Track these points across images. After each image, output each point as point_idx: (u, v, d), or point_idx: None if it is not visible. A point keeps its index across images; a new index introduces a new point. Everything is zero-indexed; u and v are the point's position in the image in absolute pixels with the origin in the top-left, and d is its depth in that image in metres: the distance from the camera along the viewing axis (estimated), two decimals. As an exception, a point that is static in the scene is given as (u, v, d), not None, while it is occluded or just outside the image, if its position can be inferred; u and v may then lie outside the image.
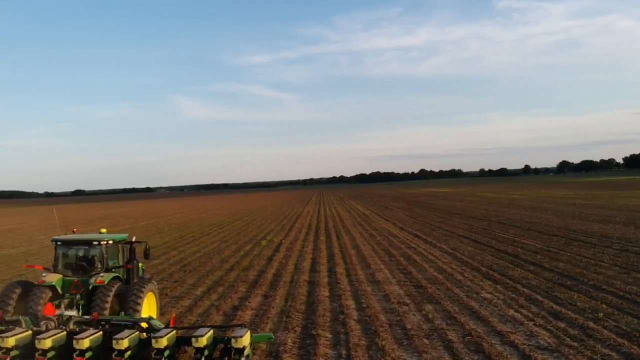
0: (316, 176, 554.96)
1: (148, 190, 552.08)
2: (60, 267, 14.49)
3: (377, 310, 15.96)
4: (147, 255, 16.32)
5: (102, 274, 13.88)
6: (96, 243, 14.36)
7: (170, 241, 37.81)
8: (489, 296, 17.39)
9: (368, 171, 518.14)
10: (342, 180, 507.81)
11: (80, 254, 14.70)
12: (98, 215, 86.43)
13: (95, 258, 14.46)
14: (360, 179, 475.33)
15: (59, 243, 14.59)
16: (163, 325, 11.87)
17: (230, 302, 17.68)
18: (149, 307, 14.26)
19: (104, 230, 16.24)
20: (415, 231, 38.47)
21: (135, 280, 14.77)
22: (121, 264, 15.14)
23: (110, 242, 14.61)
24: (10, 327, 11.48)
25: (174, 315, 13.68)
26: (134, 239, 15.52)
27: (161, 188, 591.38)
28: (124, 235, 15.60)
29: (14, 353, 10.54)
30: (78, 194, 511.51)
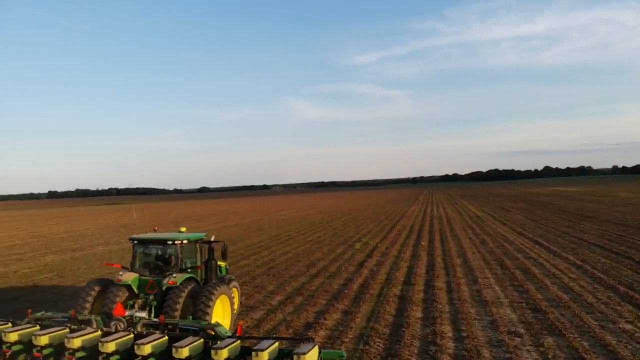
0: (427, 174, 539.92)
1: (265, 187, 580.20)
2: (137, 266, 14.12)
3: (480, 342, 12.62)
4: (224, 255, 15.72)
5: (175, 275, 13.28)
6: (170, 242, 13.83)
7: (266, 240, 36.88)
8: (629, 327, 13.34)
9: (484, 168, 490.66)
10: (455, 178, 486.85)
11: (157, 253, 14.29)
12: (210, 211, 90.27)
13: (172, 258, 13.92)
14: (476, 177, 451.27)
15: (136, 242, 14.25)
16: (230, 333, 10.76)
17: (304, 317, 15.43)
18: (223, 311, 13.49)
19: (183, 229, 15.54)
20: (537, 237, 33.23)
21: (213, 282, 13.97)
22: (199, 264, 14.52)
23: (185, 241, 13.96)
24: (82, 326, 11.14)
25: (241, 323, 12.22)
26: (212, 239, 15.06)
27: (276, 185, 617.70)
28: (201, 235, 14.98)
29: (79, 354, 10.02)
30: (203, 191, 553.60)
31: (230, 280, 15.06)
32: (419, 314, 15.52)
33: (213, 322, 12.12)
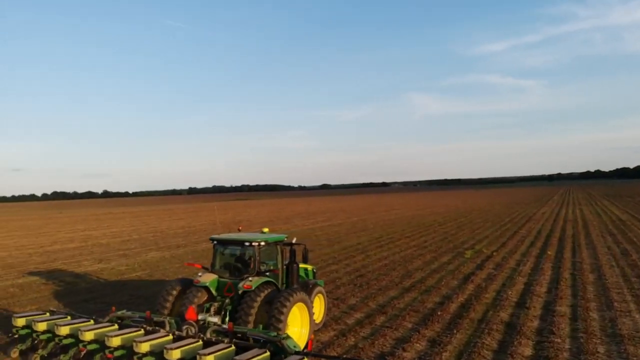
0: (565, 170, 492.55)
1: (383, 184, 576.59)
2: (217, 267, 13.57)
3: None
4: (305, 259, 14.94)
5: (251, 278, 12.46)
6: (248, 243, 13.00)
7: (365, 242, 34.43)
8: None
9: (632, 164, 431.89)
10: (597, 175, 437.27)
11: (236, 254, 13.64)
12: (322, 208, 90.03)
13: (250, 259, 13.24)
14: (622, 173, 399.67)
15: (215, 242, 13.71)
16: (299, 348, 10.06)
17: (380, 343, 12.81)
18: (300, 321, 12.39)
19: (265, 230, 14.54)
20: (701, 250, 26.37)
21: (294, 286, 12.97)
22: (279, 266, 13.58)
23: (263, 243, 13.07)
24: (156, 328, 11.13)
25: (312, 337, 11.67)
26: (293, 240, 14.26)
27: (395, 183, 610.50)
28: (281, 236, 13.98)
29: (147, 358, 9.81)
30: (324, 188, 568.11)
31: (315, 286, 14.19)
32: (528, 351, 12.03)
33: (288, 332, 11.38)
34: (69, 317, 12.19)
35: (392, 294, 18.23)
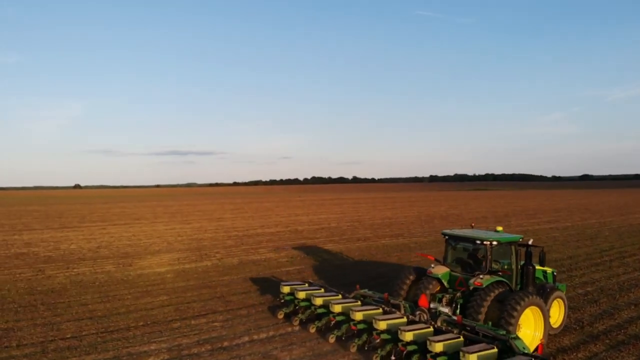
0: None
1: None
2: (449, 260, 14.28)
3: None
4: (541, 262, 14.45)
5: (482, 276, 12.93)
6: (479, 242, 13.20)
7: (585, 254, 27.37)
8: None
9: None
10: None
11: (468, 250, 14.07)
12: (560, 205, 77.59)
13: (481, 257, 13.55)
14: None
15: (447, 237, 14.33)
16: (528, 350, 10.21)
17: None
18: (533, 324, 12.35)
19: (499, 229, 14.49)
20: None
21: (529, 290, 13.09)
22: (513, 267, 13.57)
23: (496, 242, 13.12)
24: (392, 309, 12.67)
25: (543, 341, 11.62)
26: (530, 242, 13.77)
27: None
28: (517, 237, 13.73)
29: (384, 336, 11.29)
30: (585, 179, 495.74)
31: (553, 290, 13.74)
32: None
33: (519, 333, 11.61)
34: (322, 290, 14.75)
35: (611, 340, 13.44)
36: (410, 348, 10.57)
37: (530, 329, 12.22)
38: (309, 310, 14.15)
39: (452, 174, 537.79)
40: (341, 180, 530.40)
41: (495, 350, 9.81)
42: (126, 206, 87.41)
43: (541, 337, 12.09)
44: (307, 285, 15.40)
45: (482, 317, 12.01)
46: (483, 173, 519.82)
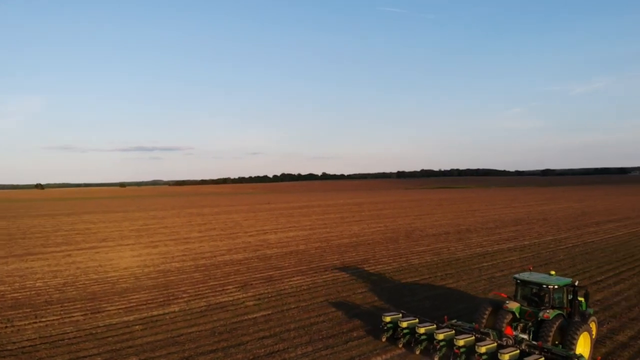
0: None
1: (621, 171, 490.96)
2: (518, 297, 18.94)
3: None
4: (586, 299, 19.26)
5: (548, 310, 17.44)
6: (545, 286, 18.02)
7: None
8: None
9: None
10: None
11: (533, 290, 18.63)
12: (521, 212, 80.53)
13: (545, 296, 18.15)
14: None
15: (519, 281, 18.86)
16: None
17: None
18: (584, 344, 16.85)
19: (552, 272, 19.40)
20: None
21: (576, 318, 17.82)
22: (564, 302, 18.21)
23: (557, 286, 17.88)
24: (483, 337, 16.97)
25: (600, 358, 16.76)
26: (576, 283, 18.39)
27: (637, 169, 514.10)
28: (568, 280, 18.47)
29: (484, 357, 15.76)
30: (546, 174, 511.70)
31: (590, 316, 18.66)
32: None
33: (577, 352, 16.16)
34: (417, 320, 19.10)
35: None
36: None
37: (581, 348, 16.72)
38: (408, 336, 18.80)
39: (418, 169, 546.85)
40: (311, 176, 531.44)
41: None
42: (91, 220, 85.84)
43: (589, 353, 17.01)
44: (400, 315, 19.80)
45: (550, 341, 16.38)
46: (449, 168, 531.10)
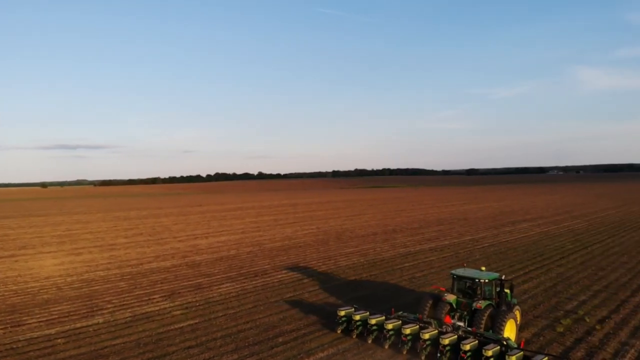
0: None
1: (540, 170, 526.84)
2: (455, 290, 22.01)
3: None
4: (511, 291, 22.74)
5: (480, 301, 20.64)
6: (477, 280, 21.18)
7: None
8: None
9: None
10: None
11: (467, 284, 21.70)
12: (445, 213, 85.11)
13: (477, 289, 21.27)
14: None
15: (455, 276, 22.04)
16: (516, 345, 18.09)
17: None
18: (510, 329, 20.03)
19: (483, 268, 22.87)
20: None
21: (503, 307, 21.09)
22: (493, 294, 21.47)
23: (487, 280, 21.17)
24: (426, 325, 19.81)
25: (523, 340, 19.49)
26: (502, 277, 21.76)
27: (554, 168, 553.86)
28: (496, 275, 21.69)
29: (427, 343, 18.62)
30: (471, 173, 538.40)
31: (514, 305, 22.13)
32: None
33: (505, 336, 19.10)
34: (368, 312, 21.57)
35: None
36: (447, 349, 17.95)
37: (508, 333, 19.75)
38: (361, 328, 21.23)
39: (352, 169, 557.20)
40: (246, 176, 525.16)
41: (499, 347, 17.22)
42: (9, 226, 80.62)
43: (514, 337, 20.12)
44: (353, 309, 22.25)
45: (482, 328, 19.51)
46: (381, 168, 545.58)
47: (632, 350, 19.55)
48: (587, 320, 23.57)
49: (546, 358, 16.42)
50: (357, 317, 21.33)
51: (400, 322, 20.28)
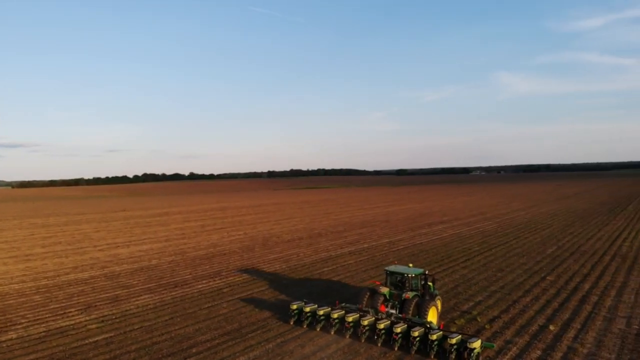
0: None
1: (464, 171, 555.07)
2: (387, 283, 26.49)
3: None
4: (433, 283, 27.78)
5: (408, 292, 25.23)
6: (405, 275, 25.95)
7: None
8: None
9: None
10: None
11: (398, 278, 26.31)
12: (369, 215, 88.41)
13: (405, 282, 25.89)
14: None
15: (388, 272, 26.69)
16: (437, 327, 22.77)
17: None
18: (433, 314, 24.67)
19: (410, 265, 28.35)
20: None
21: (427, 297, 25.46)
22: (419, 286, 25.96)
23: (413, 275, 25.89)
24: (364, 314, 24.20)
25: (443, 323, 24.64)
26: (426, 272, 26.51)
27: (477, 169, 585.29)
28: (421, 270, 26.43)
29: (367, 328, 22.92)
30: (400, 173, 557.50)
31: (436, 295, 26.67)
32: None
33: (428, 320, 23.62)
34: (316, 305, 25.65)
35: None
36: (382, 333, 22.27)
37: (432, 317, 24.41)
38: (310, 319, 25.15)
39: (288, 169, 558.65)
40: (177, 177, 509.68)
41: (424, 329, 21.80)
42: None
43: (436, 321, 24.81)
44: (303, 303, 26.22)
45: (410, 313, 23.96)
46: (316, 168, 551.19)
47: (514, 348, 21.97)
48: (479, 320, 26.19)
49: (460, 335, 20.84)
50: (308, 309, 25.24)
51: (343, 312, 24.54)
